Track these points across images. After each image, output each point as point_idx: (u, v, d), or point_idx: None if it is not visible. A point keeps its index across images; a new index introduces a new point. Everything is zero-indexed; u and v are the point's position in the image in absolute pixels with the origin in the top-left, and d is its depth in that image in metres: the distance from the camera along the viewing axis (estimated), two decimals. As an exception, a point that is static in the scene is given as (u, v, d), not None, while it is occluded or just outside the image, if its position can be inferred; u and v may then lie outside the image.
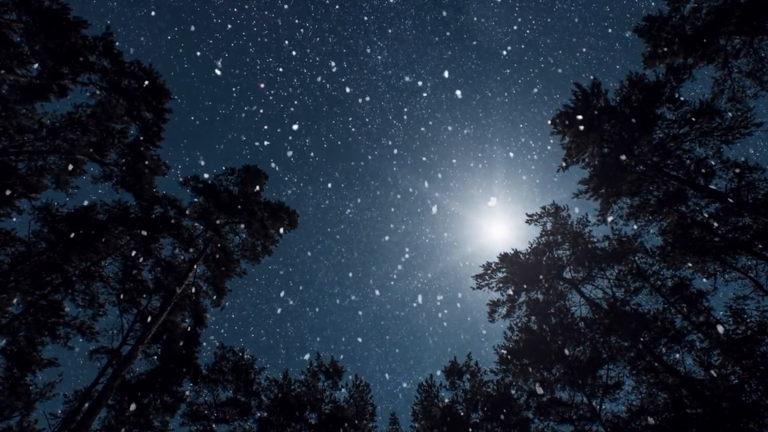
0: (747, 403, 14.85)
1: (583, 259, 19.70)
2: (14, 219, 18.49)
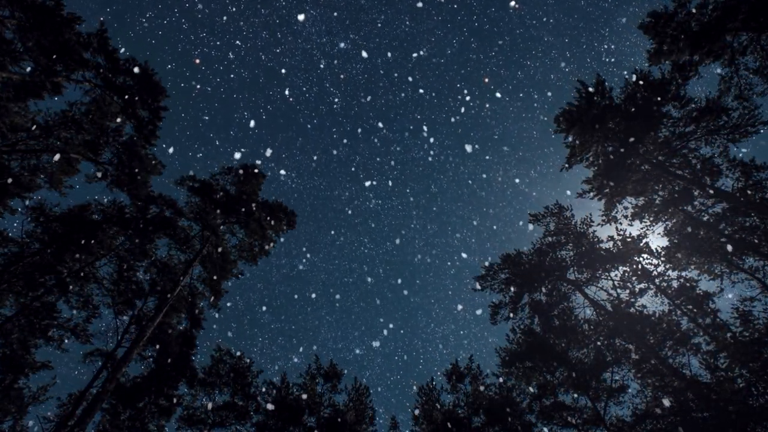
0: (754, 407, 14.55)
1: (587, 260, 19.38)
2: (7, 219, 18.14)
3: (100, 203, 19.03)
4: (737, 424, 13.95)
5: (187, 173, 19.84)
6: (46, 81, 17.44)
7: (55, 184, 18.69)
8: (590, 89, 17.47)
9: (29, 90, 17.39)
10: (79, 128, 18.20)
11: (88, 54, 17.29)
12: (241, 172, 20.57)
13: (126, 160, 18.52)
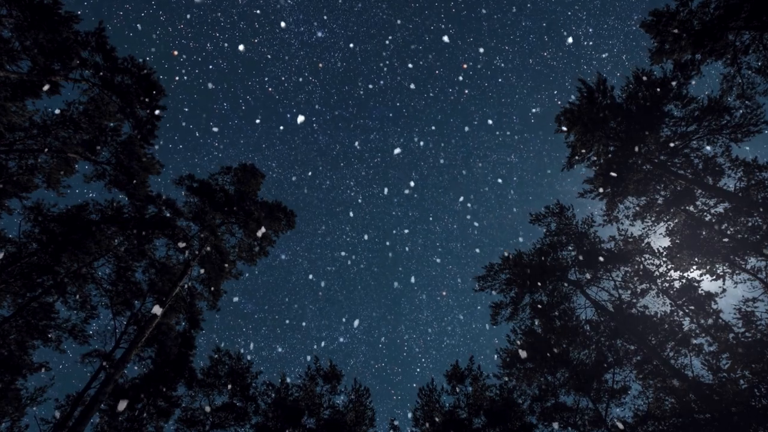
0: (757, 408, 14.43)
1: (589, 260, 19.25)
2: (4, 219, 18.03)
3: (98, 203, 18.90)
4: (740, 425, 13.83)
5: (184, 172, 19.71)
6: (44, 80, 17.33)
7: (52, 184, 18.58)
8: (592, 87, 17.36)
9: (27, 89, 17.27)
10: (77, 127, 18.08)
11: (86, 53, 17.18)
12: (240, 171, 20.45)
13: (124, 159, 18.40)
